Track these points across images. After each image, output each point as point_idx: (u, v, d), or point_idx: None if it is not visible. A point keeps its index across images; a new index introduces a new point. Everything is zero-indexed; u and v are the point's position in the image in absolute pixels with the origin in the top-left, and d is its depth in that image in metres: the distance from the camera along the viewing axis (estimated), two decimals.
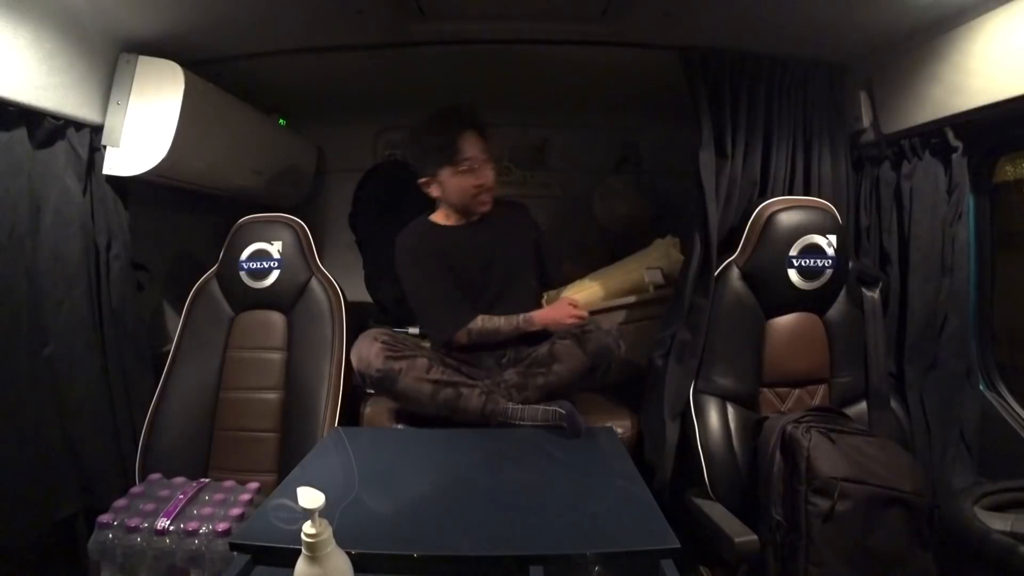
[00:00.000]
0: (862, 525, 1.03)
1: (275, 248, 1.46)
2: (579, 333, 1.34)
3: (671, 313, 1.44)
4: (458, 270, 1.41)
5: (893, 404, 1.36)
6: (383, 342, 1.25)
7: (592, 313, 1.54)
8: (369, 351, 1.24)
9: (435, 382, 1.24)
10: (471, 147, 1.35)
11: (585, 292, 1.74)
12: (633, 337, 1.55)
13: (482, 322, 1.38)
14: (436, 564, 0.71)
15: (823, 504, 1.03)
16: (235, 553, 0.72)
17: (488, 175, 1.38)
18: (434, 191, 1.41)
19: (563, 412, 1.20)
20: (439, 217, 1.47)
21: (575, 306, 1.47)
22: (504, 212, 1.50)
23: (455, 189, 1.37)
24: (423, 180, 1.41)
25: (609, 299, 1.69)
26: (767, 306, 1.37)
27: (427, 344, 1.50)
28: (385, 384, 1.24)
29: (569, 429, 1.18)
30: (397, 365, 1.23)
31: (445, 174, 1.36)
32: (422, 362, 1.26)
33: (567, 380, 1.32)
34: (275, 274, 1.44)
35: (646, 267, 1.69)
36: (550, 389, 1.31)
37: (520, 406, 1.26)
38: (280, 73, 1.67)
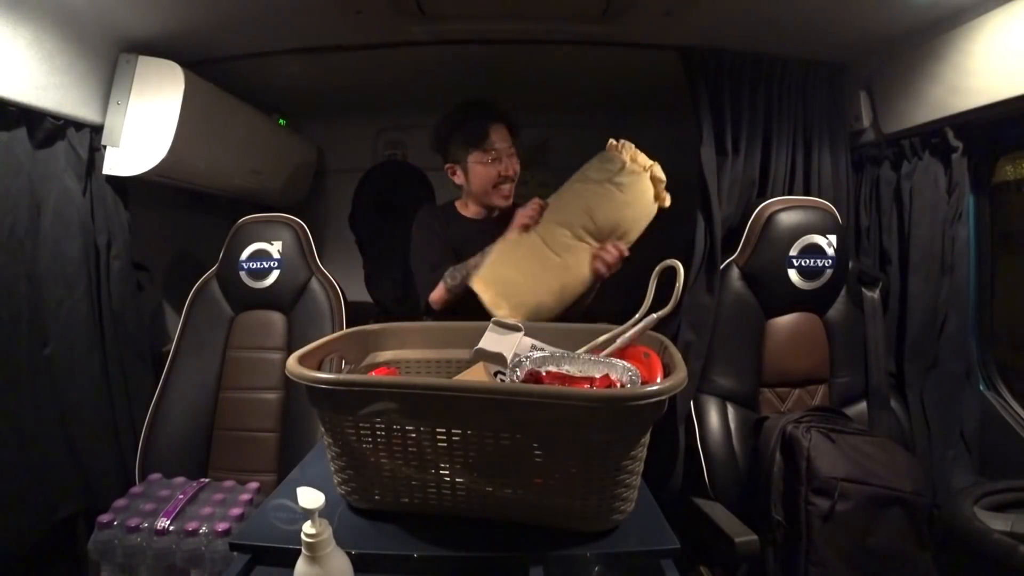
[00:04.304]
0: (862, 525, 1.03)
1: (275, 248, 1.46)
2: None
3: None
4: (461, 259, 1.37)
5: (893, 404, 1.36)
6: None
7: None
8: None
9: None
10: (500, 137, 1.34)
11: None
12: None
13: (452, 271, 1.31)
14: (436, 564, 0.71)
15: (823, 504, 1.03)
16: (235, 553, 0.72)
17: (513, 167, 1.36)
18: (458, 178, 1.40)
19: None
20: (461, 205, 1.46)
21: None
22: None
23: (478, 176, 1.36)
24: (448, 165, 1.40)
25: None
26: (767, 306, 1.37)
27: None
28: None
29: None
30: None
31: (471, 159, 1.35)
32: None
33: None
34: (275, 274, 1.45)
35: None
36: None
37: None
38: (280, 73, 1.67)
